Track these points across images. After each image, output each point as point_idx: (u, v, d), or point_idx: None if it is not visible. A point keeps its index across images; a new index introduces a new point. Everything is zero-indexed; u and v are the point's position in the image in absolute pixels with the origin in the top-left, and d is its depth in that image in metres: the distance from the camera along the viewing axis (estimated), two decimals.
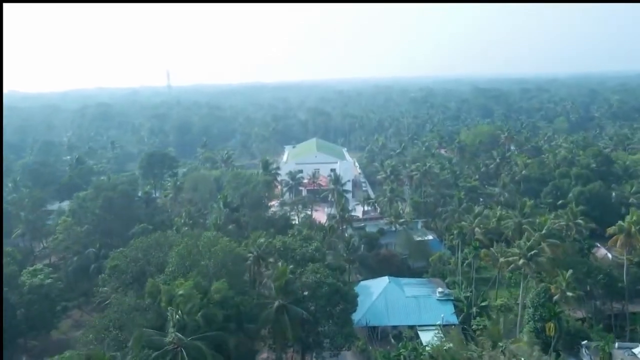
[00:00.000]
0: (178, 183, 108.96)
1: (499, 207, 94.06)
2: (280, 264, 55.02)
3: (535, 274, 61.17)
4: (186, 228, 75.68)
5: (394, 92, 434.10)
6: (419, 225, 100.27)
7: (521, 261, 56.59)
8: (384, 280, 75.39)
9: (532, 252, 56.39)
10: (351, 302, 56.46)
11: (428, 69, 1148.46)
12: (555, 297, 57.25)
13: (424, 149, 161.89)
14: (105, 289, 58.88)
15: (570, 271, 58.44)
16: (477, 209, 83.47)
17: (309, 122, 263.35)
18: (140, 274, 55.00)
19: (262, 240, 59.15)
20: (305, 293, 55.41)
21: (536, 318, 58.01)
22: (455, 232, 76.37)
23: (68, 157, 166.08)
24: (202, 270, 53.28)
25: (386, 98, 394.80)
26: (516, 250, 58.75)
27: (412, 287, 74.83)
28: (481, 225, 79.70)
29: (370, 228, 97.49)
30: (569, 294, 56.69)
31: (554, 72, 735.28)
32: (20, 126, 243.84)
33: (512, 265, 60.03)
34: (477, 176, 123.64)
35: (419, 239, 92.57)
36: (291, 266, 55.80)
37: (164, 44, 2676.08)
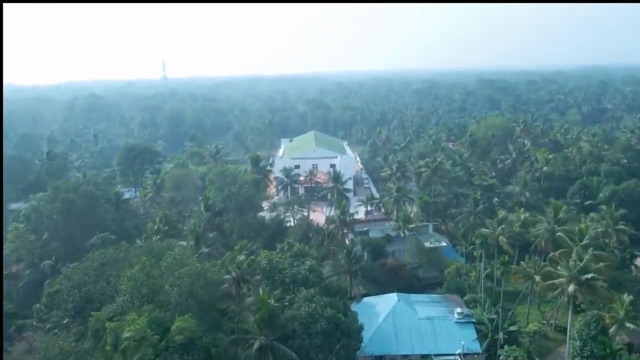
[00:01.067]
0: (159, 181, 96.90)
1: (522, 209, 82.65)
2: (261, 289, 43.17)
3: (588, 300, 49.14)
4: (158, 237, 63.77)
5: (396, 84, 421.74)
6: (430, 230, 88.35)
7: (571, 287, 44.25)
8: (392, 297, 63.72)
9: (589, 276, 43.90)
10: (355, 337, 44.81)
11: (428, 62, 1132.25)
12: (611, 330, 45.42)
13: (431, 142, 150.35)
14: (54, 312, 47.26)
15: (630, 297, 46.40)
16: (500, 214, 71.35)
17: (308, 115, 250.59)
18: (85, 302, 43.16)
19: (242, 257, 46.98)
20: (296, 324, 43.82)
21: (585, 354, 46.65)
22: (477, 241, 64.33)
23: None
24: (166, 298, 41.59)
25: (388, 90, 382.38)
26: (564, 273, 46.19)
27: (425, 307, 63.10)
28: (506, 232, 68.03)
29: (375, 233, 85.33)
30: (629, 325, 44.69)
31: (556, 65, 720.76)
32: (5, 119, 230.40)
33: (558, 290, 47.72)
34: (493, 173, 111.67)
35: (431, 245, 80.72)
36: (276, 292, 44.06)
37: (162, 36, 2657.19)
